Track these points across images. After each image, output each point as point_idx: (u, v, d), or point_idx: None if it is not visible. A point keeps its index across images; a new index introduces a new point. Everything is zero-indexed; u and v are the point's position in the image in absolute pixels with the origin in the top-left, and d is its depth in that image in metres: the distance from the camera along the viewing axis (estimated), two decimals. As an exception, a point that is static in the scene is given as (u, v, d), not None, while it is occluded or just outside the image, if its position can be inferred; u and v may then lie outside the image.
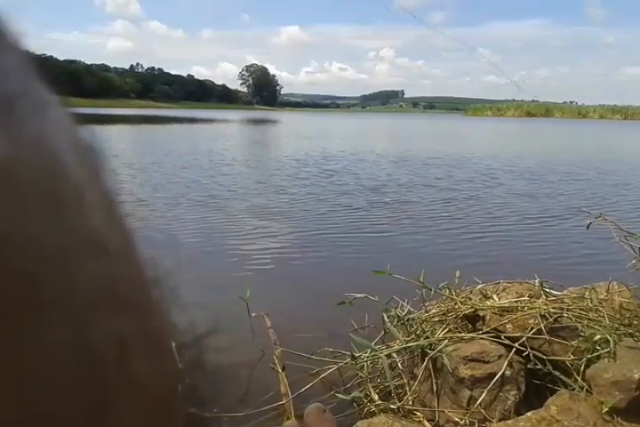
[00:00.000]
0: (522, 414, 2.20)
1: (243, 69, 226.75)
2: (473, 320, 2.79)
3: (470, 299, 2.83)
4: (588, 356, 2.34)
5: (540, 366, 2.43)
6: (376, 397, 2.57)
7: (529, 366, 2.45)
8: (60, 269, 0.13)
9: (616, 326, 2.45)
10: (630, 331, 2.43)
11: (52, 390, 0.12)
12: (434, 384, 2.48)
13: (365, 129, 46.22)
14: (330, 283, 4.49)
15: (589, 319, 2.52)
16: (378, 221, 7.21)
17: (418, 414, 2.46)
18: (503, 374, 2.35)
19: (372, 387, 2.66)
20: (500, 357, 2.42)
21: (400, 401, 2.52)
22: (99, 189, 0.16)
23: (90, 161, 0.16)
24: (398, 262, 4.29)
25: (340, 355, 2.89)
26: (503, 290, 2.84)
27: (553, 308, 2.60)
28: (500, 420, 2.23)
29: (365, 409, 2.54)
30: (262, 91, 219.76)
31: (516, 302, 2.71)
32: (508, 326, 2.60)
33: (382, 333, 2.93)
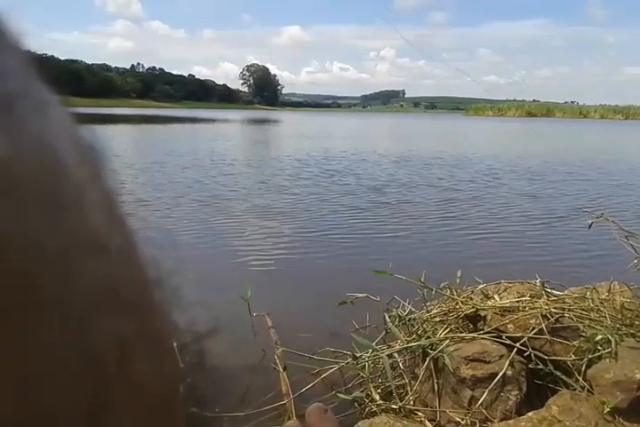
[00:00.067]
0: (523, 415, 2.20)
1: (244, 69, 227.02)
2: (474, 320, 2.79)
3: (471, 299, 2.83)
4: (590, 356, 2.33)
5: (541, 367, 2.43)
6: (377, 397, 2.57)
7: (530, 366, 2.44)
8: (60, 270, 0.13)
9: (617, 326, 2.45)
10: (632, 331, 2.42)
11: (52, 391, 0.12)
12: (435, 384, 2.48)
13: (366, 129, 46.22)
14: (331, 283, 4.49)
15: (591, 319, 2.52)
16: (379, 221, 7.21)
17: (419, 414, 2.46)
18: (504, 374, 2.34)
19: (374, 387, 2.66)
20: (501, 357, 2.42)
21: (401, 401, 2.52)
22: (99, 188, 0.16)
23: (90, 161, 0.16)
24: (399, 262, 4.29)
25: (341, 355, 2.89)
26: (504, 290, 2.84)
27: (554, 308, 2.59)
28: (501, 420, 2.23)
29: (367, 409, 2.54)
30: (263, 91, 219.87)
31: (518, 302, 2.70)
32: (509, 326, 2.60)
33: (383, 333, 2.93)
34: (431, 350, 2.52)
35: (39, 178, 0.13)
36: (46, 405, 0.12)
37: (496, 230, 6.74)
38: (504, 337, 2.56)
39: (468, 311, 2.76)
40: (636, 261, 2.80)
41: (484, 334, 2.61)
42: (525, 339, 2.50)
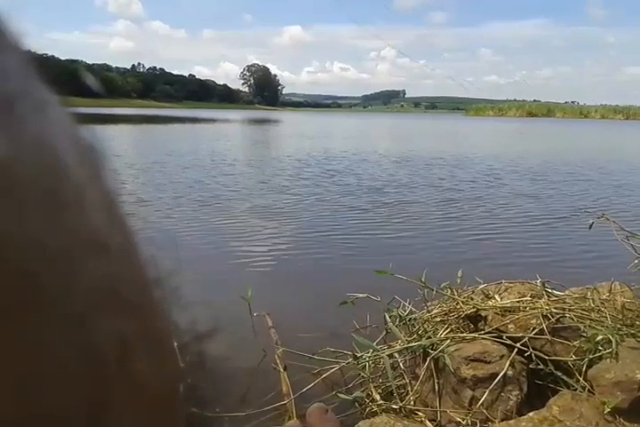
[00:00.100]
0: (524, 415, 2.20)
1: (244, 69, 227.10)
2: (475, 320, 2.79)
3: (472, 299, 2.82)
4: (590, 356, 2.33)
5: (541, 367, 2.43)
6: (378, 397, 2.57)
7: (531, 366, 2.44)
8: (60, 269, 0.13)
9: (618, 326, 2.45)
10: (633, 331, 2.42)
11: (52, 391, 0.12)
12: (436, 384, 2.48)
13: (367, 129, 46.21)
14: (331, 283, 4.49)
15: (591, 320, 2.52)
16: (380, 222, 7.21)
17: (420, 414, 2.46)
18: (505, 374, 2.34)
19: (374, 387, 2.66)
20: (501, 357, 2.42)
21: (402, 401, 2.52)
22: (99, 188, 0.16)
23: (91, 161, 0.16)
24: (400, 262, 4.29)
25: (341, 355, 2.89)
26: (505, 290, 2.84)
27: (555, 308, 2.59)
28: (501, 420, 2.23)
29: (367, 409, 2.54)
30: (264, 91, 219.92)
31: (518, 302, 2.70)
32: (509, 326, 2.60)
33: (384, 333, 2.93)
34: (432, 350, 2.52)
35: (39, 178, 0.13)
36: (46, 405, 0.12)
37: (497, 231, 6.74)
38: (505, 337, 2.56)
39: (469, 311, 2.76)
40: (636, 261, 2.80)
41: (484, 334, 2.61)
42: (526, 339, 2.50)
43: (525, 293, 2.77)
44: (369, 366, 2.72)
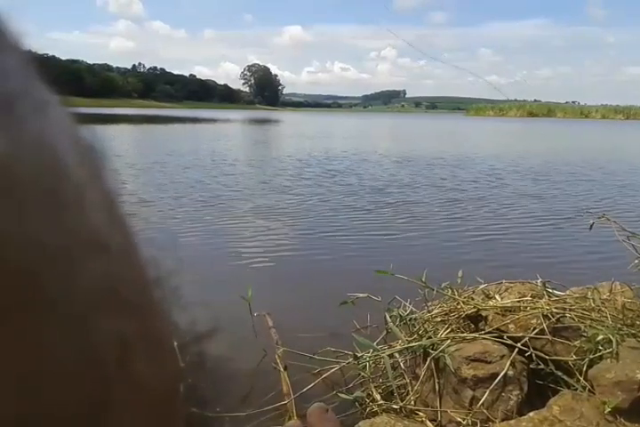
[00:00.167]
0: (524, 415, 2.20)
1: (245, 69, 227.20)
2: (475, 320, 2.79)
3: (473, 299, 2.82)
4: (591, 356, 2.33)
5: (542, 367, 2.43)
6: (378, 397, 2.57)
7: (531, 366, 2.44)
8: (60, 269, 0.13)
9: (619, 326, 2.44)
10: (633, 331, 2.42)
11: (52, 391, 0.12)
12: (436, 384, 2.48)
13: (368, 129, 46.21)
14: (332, 283, 4.49)
15: (592, 320, 2.52)
16: (381, 222, 7.21)
17: (420, 414, 2.46)
18: (505, 374, 2.34)
19: (375, 387, 2.66)
20: (502, 357, 2.42)
21: (402, 401, 2.52)
22: (100, 188, 0.16)
23: (91, 161, 0.16)
24: (401, 262, 4.29)
25: (342, 355, 2.89)
26: (506, 290, 2.84)
27: (555, 308, 2.59)
28: (502, 420, 2.23)
29: (367, 409, 2.54)
30: (264, 90, 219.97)
31: (519, 302, 2.70)
32: (510, 326, 2.60)
33: (384, 333, 2.93)
34: (432, 350, 2.52)
35: (39, 178, 0.13)
36: (46, 405, 0.12)
37: (498, 231, 6.74)
38: (505, 337, 2.56)
39: (470, 311, 2.76)
40: (637, 261, 2.80)
41: (485, 334, 2.61)
42: (526, 339, 2.50)
43: (526, 293, 2.77)
44: (369, 365, 2.72)
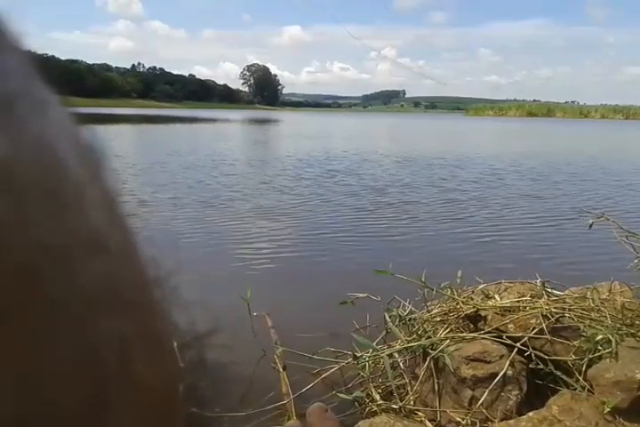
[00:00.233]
0: (523, 414, 2.20)
1: (244, 69, 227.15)
2: (475, 320, 2.79)
3: (472, 299, 2.82)
4: (590, 356, 2.33)
5: (541, 366, 2.43)
6: (377, 396, 2.57)
7: (531, 365, 2.44)
8: (61, 269, 0.13)
9: (618, 326, 2.45)
10: (632, 331, 2.42)
11: (52, 391, 0.12)
12: (435, 384, 2.48)
13: (367, 129, 46.20)
14: (331, 283, 4.49)
15: (591, 319, 2.52)
16: (380, 222, 7.20)
17: (419, 413, 2.46)
18: (505, 373, 2.34)
19: (374, 387, 2.66)
20: (501, 357, 2.42)
21: (402, 401, 2.52)
22: (99, 188, 0.16)
23: (91, 160, 0.16)
24: (400, 262, 4.30)
25: (341, 355, 2.89)
26: (505, 290, 2.84)
27: (555, 308, 2.59)
28: (501, 420, 2.23)
29: (367, 409, 2.54)
30: (264, 90, 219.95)
31: (518, 301, 2.70)
32: (509, 325, 2.60)
33: (384, 332, 2.93)
34: (432, 349, 2.52)
35: (39, 178, 0.13)
36: (46, 405, 0.12)
37: (497, 231, 6.74)
38: (504, 337, 2.56)
39: (469, 311, 2.76)
40: (636, 260, 2.80)
41: (484, 333, 2.61)
42: (526, 339, 2.50)
43: (525, 292, 2.77)
44: (369, 365, 2.72)
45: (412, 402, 2.53)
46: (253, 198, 8.77)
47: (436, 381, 2.48)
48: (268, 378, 2.83)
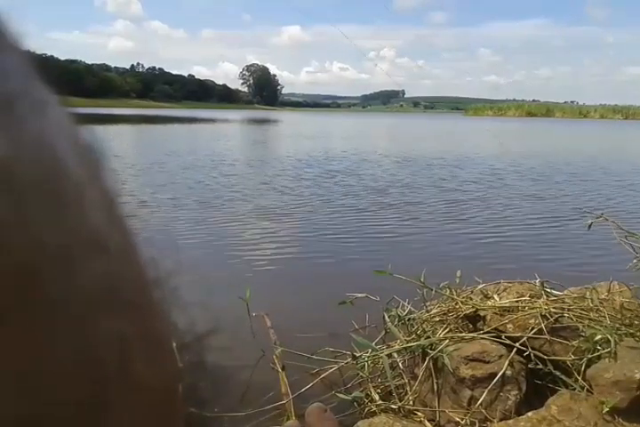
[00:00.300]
0: (522, 414, 2.20)
1: (243, 69, 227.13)
2: (474, 320, 2.79)
3: (471, 299, 2.83)
4: (589, 356, 2.33)
5: (540, 366, 2.43)
6: (377, 397, 2.57)
7: (530, 365, 2.44)
8: (61, 269, 0.13)
9: (617, 326, 2.45)
10: (631, 331, 2.43)
11: (52, 391, 0.12)
12: (434, 384, 2.48)
13: (367, 129, 46.21)
14: (330, 283, 4.49)
15: (590, 319, 2.52)
16: (380, 222, 7.20)
17: (418, 413, 2.46)
18: (504, 373, 2.34)
19: (373, 387, 2.66)
20: (500, 357, 2.42)
21: (401, 401, 2.52)
22: (99, 188, 0.16)
23: (90, 160, 0.16)
24: (400, 262, 4.30)
25: (340, 355, 2.89)
26: (504, 290, 2.84)
27: (554, 308, 2.60)
28: (500, 420, 2.23)
29: (366, 409, 2.54)
30: (263, 90, 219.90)
31: (517, 301, 2.70)
32: (508, 325, 2.60)
33: (383, 333, 2.93)
34: (431, 349, 2.52)
35: (39, 177, 0.13)
36: (46, 405, 0.12)
37: (497, 231, 6.74)
38: (503, 337, 2.56)
39: (468, 311, 2.76)
40: (635, 260, 2.80)
41: (483, 333, 2.61)
42: (525, 339, 2.50)
43: (524, 292, 2.77)
44: (368, 365, 2.72)
45: (411, 402, 2.53)
46: (253, 199, 8.76)
47: (435, 381, 2.48)
48: (267, 378, 2.83)
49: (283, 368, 2.83)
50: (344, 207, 8.14)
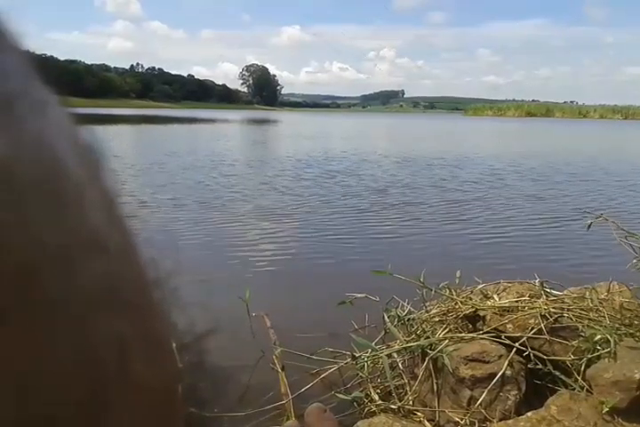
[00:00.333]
0: (522, 414, 2.20)
1: (243, 69, 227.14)
2: (473, 320, 2.79)
3: (471, 299, 2.83)
4: (589, 356, 2.33)
5: (540, 366, 2.43)
6: (376, 397, 2.57)
7: (529, 365, 2.44)
8: (61, 269, 0.13)
9: (616, 326, 2.45)
10: (631, 331, 2.43)
11: (52, 391, 0.12)
12: (434, 384, 2.48)
13: (366, 129, 46.21)
14: (330, 283, 4.49)
15: (590, 319, 2.52)
16: (380, 222, 7.20)
17: (418, 414, 2.46)
18: (504, 374, 2.35)
19: (373, 387, 2.66)
20: (500, 357, 2.42)
21: (400, 401, 2.52)
22: (99, 188, 0.16)
23: (90, 161, 0.16)
24: (400, 263, 4.29)
25: (340, 355, 2.89)
26: (504, 290, 2.84)
27: (553, 308, 2.60)
28: (500, 420, 2.23)
29: (366, 409, 2.54)
30: (262, 91, 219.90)
31: (517, 301, 2.70)
32: (508, 325, 2.60)
33: (383, 333, 2.93)
34: (430, 350, 2.52)
35: (39, 177, 0.13)
36: (46, 405, 0.12)
37: (496, 231, 6.74)
38: (503, 337, 2.56)
39: (468, 311, 2.76)
40: (635, 260, 2.80)
41: (483, 334, 2.61)
42: (524, 339, 2.50)
43: (524, 292, 2.77)
44: (367, 366, 2.72)
45: (410, 402, 2.53)
46: (253, 199, 8.76)
47: (434, 381, 2.48)
48: (267, 378, 2.83)
49: (282, 368, 2.83)
50: (344, 207, 8.14)
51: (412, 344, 2.62)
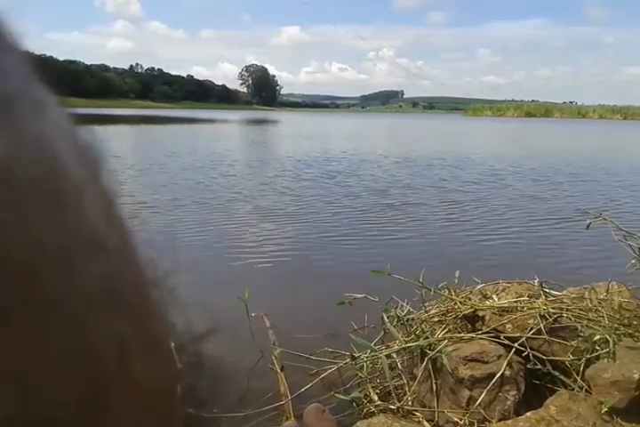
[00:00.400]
0: (521, 415, 2.20)
1: (242, 70, 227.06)
2: (472, 320, 2.79)
3: (470, 299, 2.83)
4: (588, 356, 2.34)
5: (539, 367, 2.43)
6: (375, 397, 2.57)
7: (528, 366, 2.45)
8: (60, 269, 0.13)
9: (615, 326, 2.45)
10: (630, 331, 2.43)
11: (51, 391, 0.12)
12: (433, 384, 2.48)
13: (366, 129, 46.21)
14: (330, 283, 4.49)
15: (589, 319, 2.52)
16: (380, 222, 7.20)
17: (417, 414, 2.46)
18: (503, 374, 2.35)
19: (372, 387, 2.66)
20: (499, 357, 2.42)
21: (399, 401, 2.52)
22: (98, 188, 0.16)
23: (89, 161, 0.16)
24: (399, 263, 4.29)
25: (339, 355, 2.89)
26: (503, 290, 2.84)
27: (552, 308, 2.60)
28: (499, 420, 2.23)
29: (365, 409, 2.54)
30: (262, 91, 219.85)
31: (516, 302, 2.71)
32: (507, 326, 2.60)
33: (382, 333, 2.93)
34: (429, 350, 2.52)
35: (39, 177, 0.13)
36: (46, 405, 0.12)
37: (496, 231, 6.74)
38: (502, 337, 2.56)
39: (467, 311, 2.76)
40: (634, 261, 2.80)
41: (482, 334, 2.61)
42: (524, 339, 2.50)
43: (523, 293, 2.78)
44: (367, 366, 2.72)
45: (409, 402, 2.53)
46: (253, 199, 8.76)
47: (433, 381, 2.48)
48: (266, 379, 2.83)
49: (282, 369, 2.83)
50: (344, 208, 8.14)
51: (411, 344, 2.62)
